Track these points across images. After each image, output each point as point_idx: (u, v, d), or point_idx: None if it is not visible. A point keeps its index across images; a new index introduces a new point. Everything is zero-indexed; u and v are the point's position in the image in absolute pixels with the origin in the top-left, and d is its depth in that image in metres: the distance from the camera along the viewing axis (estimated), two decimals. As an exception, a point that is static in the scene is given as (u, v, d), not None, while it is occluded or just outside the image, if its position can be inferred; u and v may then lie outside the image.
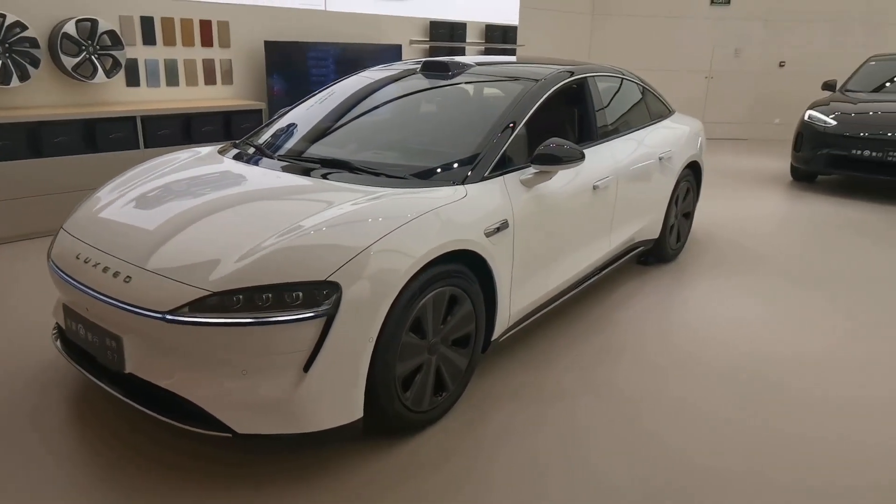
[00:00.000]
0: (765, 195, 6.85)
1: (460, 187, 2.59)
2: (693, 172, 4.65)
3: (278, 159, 2.95)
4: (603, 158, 3.47)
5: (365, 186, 2.54)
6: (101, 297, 2.19)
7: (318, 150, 3.03)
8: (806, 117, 7.20)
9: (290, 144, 3.14)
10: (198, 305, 2.04)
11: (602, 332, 3.43)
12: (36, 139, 4.61)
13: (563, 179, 3.07)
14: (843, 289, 4.17)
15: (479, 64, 3.58)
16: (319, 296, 2.05)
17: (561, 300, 3.31)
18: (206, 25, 5.80)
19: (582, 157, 2.88)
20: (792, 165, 7.53)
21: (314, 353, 2.05)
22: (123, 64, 5.22)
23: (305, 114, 3.41)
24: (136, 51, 5.43)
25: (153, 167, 2.97)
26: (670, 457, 2.42)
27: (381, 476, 2.27)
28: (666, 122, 4.43)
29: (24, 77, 4.71)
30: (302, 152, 3.03)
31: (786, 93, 10.54)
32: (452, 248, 2.36)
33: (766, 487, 2.27)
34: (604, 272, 3.73)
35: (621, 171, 3.59)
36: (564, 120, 3.53)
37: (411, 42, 7.63)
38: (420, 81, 3.45)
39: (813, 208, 6.34)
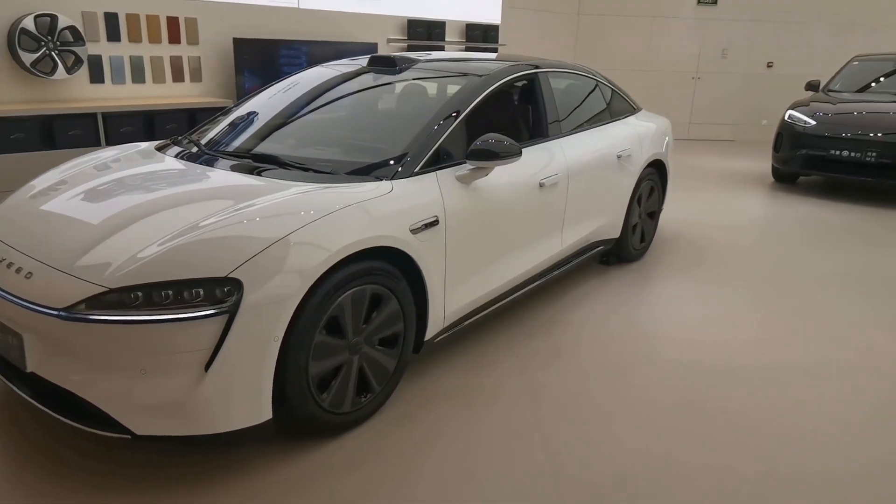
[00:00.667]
0: (744, 196, 6.78)
1: (386, 183, 2.52)
2: (658, 171, 4.57)
3: (211, 155, 2.89)
4: (552, 155, 3.40)
5: (288, 182, 2.48)
6: (2, 293, 2.12)
7: (251, 145, 2.97)
8: (786, 117, 7.12)
9: (226, 140, 3.08)
10: (95, 302, 1.97)
11: (549, 333, 3.35)
12: (-8, 135, 4.56)
13: (505, 176, 3.00)
14: (816, 290, 4.09)
15: (428, 59, 3.51)
16: (220, 293, 1.99)
17: (506, 300, 3.24)
18: (173, 22, 5.74)
19: (519, 153, 2.81)
20: (773, 166, 7.45)
21: (215, 353, 1.98)
22: (85, 60, 5.17)
23: (248, 110, 3.35)
24: (100, 47, 5.37)
25: (83, 164, 2.90)
26: (605, 458, 2.35)
27: (294, 477, 2.20)
28: (628, 120, 4.36)
29: (-20, 73, 4.65)
30: (236, 148, 2.96)
31: (774, 94, 10.46)
32: (370, 245, 2.30)
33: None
34: (557, 272, 3.66)
35: (573, 169, 3.52)
36: (511, 116, 3.47)
37: (388, 41, 7.57)
38: (366, 77, 3.39)
39: (791, 209, 6.26)
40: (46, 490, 2.09)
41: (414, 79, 3.32)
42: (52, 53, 4.95)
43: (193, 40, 5.93)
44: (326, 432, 2.40)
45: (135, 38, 5.55)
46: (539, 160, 3.29)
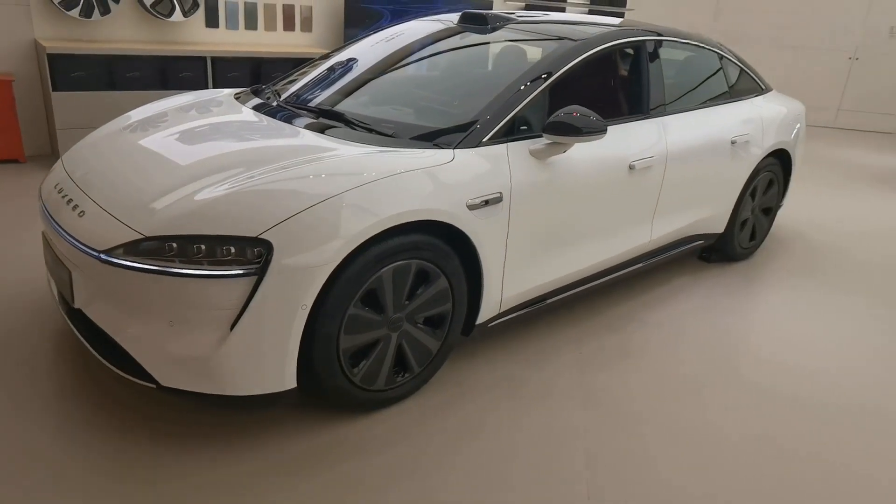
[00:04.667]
0: (888, 200, 5.90)
1: (447, 151, 2.32)
2: (781, 162, 4.03)
3: (283, 109, 2.80)
4: (650, 135, 3.04)
5: (344, 143, 2.34)
6: (58, 228, 2.17)
7: (324, 102, 2.85)
8: (957, 111, 6.09)
9: (302, 94, 2.98)
10: (131, 248, 1.96)
11: (621, 331, 3.05)
12: (111, 72, 4.80)
13: (588, 154, 2.71)
14: (946, 319, 3.47)
15: (525, 19, 3.22)
16: (251, 253, 1.90)
17: (578, 289, 2.97)
18: (288, -30, 5.75)
19: (603, 129, 2.50)
20: (931, 167, 6.44)
21: (241, 314, 1.91)
22: (202, 4, 5.30)
23: (332, 64, 3.24)
24: (217, -8, 5.48)
25: (159, 108, 2.92)
26: (652, 480, 2.08)
27: (313, 450, 2.12)
28: (752, 102, 3.84)
29: (105, 12, 4.89)
30: (309, 104, 2.86)
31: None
32: (417, 218, 2.12)
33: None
34: (643, 265, 3.32)
35: (673, 152, 3.13)
36: (607, 88, 3.13)
37: (505, 1, 7.22)
38: (455, 34, 3.16)
39: (944, 219, 5.37)
40: (64, 417, 2.15)
41: (505, 40, 3.06)
42: (171, -5, 5.11)
43: (307, -10, 5.92)
44: (357, 407, 2.30)
45: (251, -16, 5.62)
46: (632, 139, 2.95)
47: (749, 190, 3.80)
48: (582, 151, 2.69)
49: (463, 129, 2.43)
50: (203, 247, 1.92)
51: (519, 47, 2.96)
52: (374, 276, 2.10)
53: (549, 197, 2.58)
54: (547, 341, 2.90)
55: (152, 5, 5.05)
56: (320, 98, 2.87)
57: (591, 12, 7.81)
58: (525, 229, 2.53)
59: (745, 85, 3.90)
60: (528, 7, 7.39)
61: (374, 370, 2.25)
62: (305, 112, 2.72)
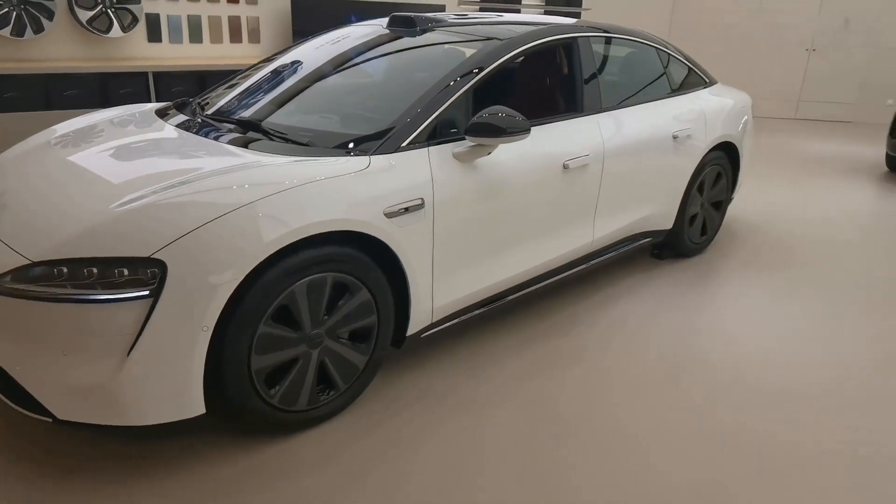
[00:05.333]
0: (848, 187, 5.92)
1: (362, 159, 2.24)
2: (728, 155, 3.99)
3: (198, 121, 2.69)
4: (584, 133, 2.97)
5: (257, 154, 2.24)
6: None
7: (243, 112, 2.74)
8: (908, 98, 6.14)
9: (224, 106, 2.88)
10: (20, 275, 1.84)
11: (566, 335, 2.98)
12: (47, 92, 4.66)
13: (517, 155, 2.63)
14: (896, 306, 3.44)
15: (455, 20, 3.15)
16: (145, 274, 1.80)
17: (519, 294, 2.89)
18: (232, -19, 5.65)
19: (527, 130, 2.43)
20: (887, 154, 6.48)
21: (137, 339, 1.81)
22: (142, 19, 5.18)
23: (257, 75, 3.14)
24: (159, 6, 5.37)
25: (70, 127, 2.80)
26: (574, 490, 2.00)
27: (227, 477, 2.01)
28: (695, 95, 3.80)
29: (38, 30, 4.75)
30: (227, 115, 2.76)
31: (904, 70, 9.16)
32: (327, 229, 2.03)
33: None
34: (587, 265, 3.25)
35: (611, 150, 3.07)
36: (536, 87, 3.06)
37: (460, 2, 7.18)
38: (383, 39, 3.07)
39: (900, 205, 5.39)
40: (-18, 463, 2.02)
41: (433, 42, 2.98)
42: (108, 11, 4.98)
43: (252, 1, 5.82)
44: (279, 429, 2.20)
45: (193, -4, 5.51)
46: (566, 138, 2.88)
47: (696, 184, 3.76)
48: (512, 152, 2.62)
49: (381, 135, 2.35)
50: (95, 270, 1.81)
51: (447, 49, 2.88)
52: (286, 292, 2.01)
53: (478, 200, 2.50)
54: (486, 349, 2.81)
55: (89, 21, 4.92)
56: (241, 110, 2.77)
57: (546, 12, 7.79)
58: (453, 235, 2.44)
59: (688, 79, 3.86)
60: (482, 9, 7.35)
61: (293, 390, 2.14)
62: (224, 125, 2.62)
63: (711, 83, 4.08)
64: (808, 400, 2.55)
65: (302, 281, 2.04)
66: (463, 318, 2.68)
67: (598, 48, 3.23)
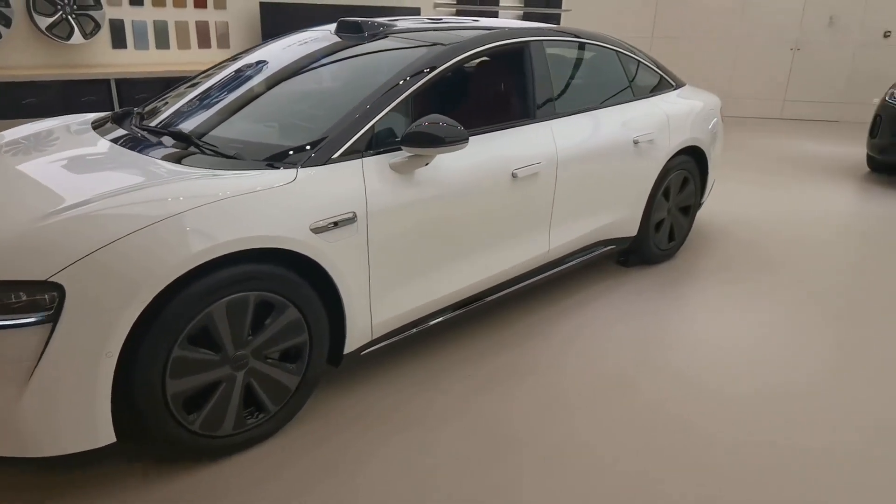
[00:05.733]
0: (827, 187, 5.83)
1: (288, 171, 2.15)
2: (695, 159, 3.91)
3: (130, 133, 2.60)
4: (535, 140, 2.88)
5: (180, 168, 2.15)
6: None
7: (178, 124, 2.65)
8: (887, 98, 6.06)
9: (158, 117, 2.78)
10: (-85, 299, 1.75)
11: (519, 347, 2.89)
12: (5, 100, 4.56)
13: (463, 164, 2.55)
14: (880, 317, 3.36)
15: (406, 25, 3.06)
16: (43, 299, 1.71)
17: (468, 308, 2.80)
18: (198, -15, 5.56)
19: (465, 139, 2.34)
20: (867, 154, 6.40)
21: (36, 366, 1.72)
22: (105, 25, 5.09)
23: (202, 84, 3.04)
24: (123, 11, 5.28)
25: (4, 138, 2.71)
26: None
27: (145, 511, 1.92)
28: (659, 99, 3.72)
29: (-5, 37, 4.66)
30: (162, 126, 2.66)
31: (890, 68, 9.07)
32: (244, 247, 1.94)
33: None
34: (545, 275, 3.16)
35: (565, 157, 2.98)
36: (483, 93, 2.97)
37: (435, 5, 7.09)
38: (329, 46, 2.99)
39: (883, 207, 5.30)
40: None
41: (379, 49, 2.89)
42: (69, 17, 4.89)
43: (221, 4, 5.73)
44: (202, 455, 2.11)
45: (158, 2, 5.41)
46: (515, 146, 2.79)
47: (661, 190, 3.68)
48: (456, 162, 2.53)
49: (313, 145, 2.26)
50: (-9, 294, 1.72)
51: (392, 56, 2.79)
52: (203, 313, 1.92)
53: (419, 212, 2.41)
54: (436, 363, 2.72)
55: (48, 28, 4.83)
56: (177, 122, 2.68)
57: (524, 15, 7.71)
58: (392, 249, 2.35)
59: (651, 82, 3.78)
60: (458, 12, 7.27)
61: (217, 414, 2.05)
62: (156, 137, 2.52)
63: (678, 86, 3.99)
64: (754, 402, 2.46)
65: (219, 302, 1.94)
66: (408, 333, 2.59)
67: (555, 53, 3.14)
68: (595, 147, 3.16)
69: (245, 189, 2.00)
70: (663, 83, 3.86)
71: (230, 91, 2.81)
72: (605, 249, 3.52)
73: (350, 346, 2.36)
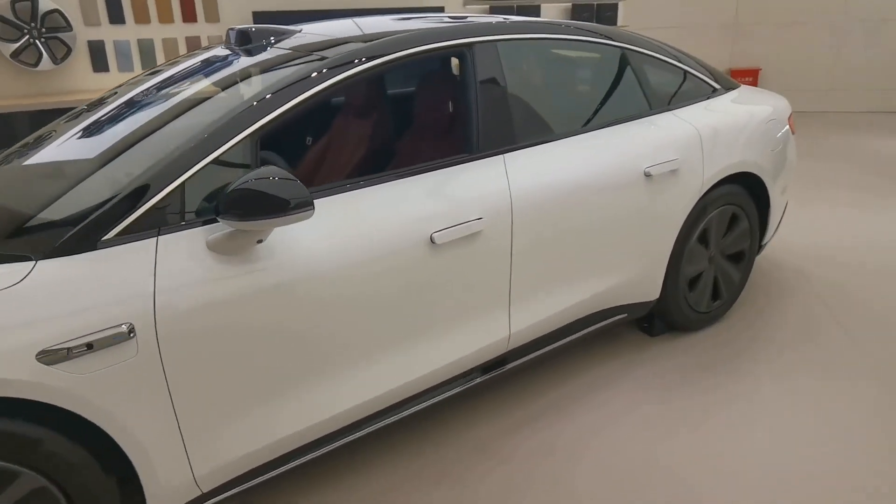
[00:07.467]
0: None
1: (22, 265, 1.41)
2: (749, 189, 2.86)
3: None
4: (473, 186, 2.00)
5: None
6: None
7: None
8: None
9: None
10: None
11: (470, 470, 2.02)
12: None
13: (343, 235, 1.73)
14: None
15: (313, 32, 2.26)
16: None
17: (382, 423, 1.98)
18: (186, -3, 5.04)
19: (308, 204, 1.52)
20: None
21: None
22: (74, 47, 4.65)
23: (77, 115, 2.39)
24: (102, 31, 4.82)
25: None
26: None
27: None
28: (689, 111, 2.70)
29: (-44, 67, 4.31)
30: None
31: None
32: None
33: None
34: (509, 366, 2.28)
35: (525, 204, 2.09)
36: (385, 126, 2.10)
37: (465, 3, 6.25)
38: (199, 65, 2.25)
39: None
40: None
41: (244, 70, 2.06)
42: (37, 42, 4.48)
43: (213, 17, 5.18)
44: None
45: (142, 18, 4.93)
46: (434, 198, 1.92)
47: (695, 234, 2.67)
48: (328, 228, 1.72)
49: (74, 220, 1.50)
50: None
51: (256, 79, 1.98)
52: None
53: (261, 310, 1.62)
54: (335, 497, 1.92)
55: (13, 55, 4.43)
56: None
57: (574, 8, 6.69)
58: (213, 369, 1.58)
59: (681, 89, 2.77)
60: (492, 9, 6.38)
61: None
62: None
63: (723, 89, 2.95)
64: None
65: None
66: (274, 472, 1.80)
67: (517, 56, 2.24)
68: (577, 186, 2.22)
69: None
70: (700, 88, 2.83)
71: (65, 136, 2.12)
72: (616, 319, 2.57)
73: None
